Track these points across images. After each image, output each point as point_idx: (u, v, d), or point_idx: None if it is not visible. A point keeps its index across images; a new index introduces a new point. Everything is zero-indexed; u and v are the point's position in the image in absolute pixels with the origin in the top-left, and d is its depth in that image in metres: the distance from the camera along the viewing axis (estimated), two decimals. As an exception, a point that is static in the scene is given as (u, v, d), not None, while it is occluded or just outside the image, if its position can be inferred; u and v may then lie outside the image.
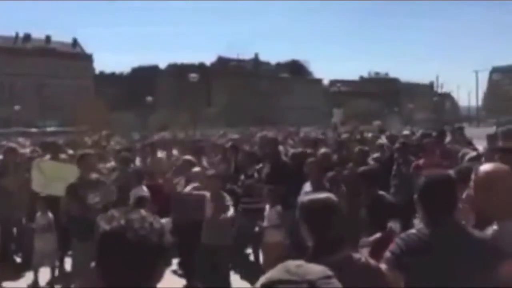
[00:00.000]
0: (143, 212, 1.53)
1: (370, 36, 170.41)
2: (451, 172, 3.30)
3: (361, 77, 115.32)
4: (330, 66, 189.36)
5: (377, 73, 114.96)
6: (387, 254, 2.51)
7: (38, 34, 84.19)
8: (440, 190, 2.55)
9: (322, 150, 8.25)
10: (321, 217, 2.43)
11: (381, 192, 5.01)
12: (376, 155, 8.11)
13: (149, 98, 55.18)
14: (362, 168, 5.30)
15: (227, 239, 5.58)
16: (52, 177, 6.24)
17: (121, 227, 1.46)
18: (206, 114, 64.69)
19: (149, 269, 1.45)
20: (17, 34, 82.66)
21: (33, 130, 50.51)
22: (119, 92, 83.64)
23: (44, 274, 6.41)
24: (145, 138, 13.38)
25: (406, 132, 13.72)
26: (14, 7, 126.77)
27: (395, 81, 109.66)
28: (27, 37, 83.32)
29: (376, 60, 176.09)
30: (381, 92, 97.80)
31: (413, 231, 2.61)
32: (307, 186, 5.70)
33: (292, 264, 1.15)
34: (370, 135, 10.00)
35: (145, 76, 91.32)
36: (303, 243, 2.49)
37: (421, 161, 7.06)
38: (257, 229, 6.17)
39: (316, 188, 5.44)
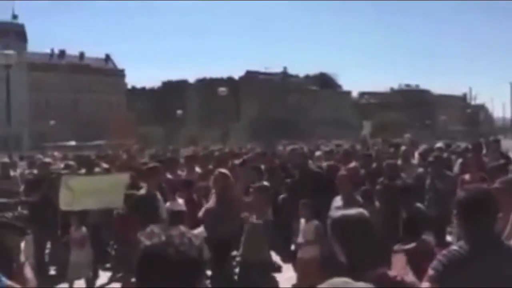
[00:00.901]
0: (182, 228, 1.55)
1: (399, 47, 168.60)
2: (497, 184, 3.24)
3: (391, 89, 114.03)
4: (359, 78, 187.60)
5: (407, 85, 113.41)
6: (430, 271, 2.49)
7: (72, 50, 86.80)
8: (480, 207, 2.51)
9: (352, 164, 8.18)
10: (353, 234, 2.41)
11: (419, 205, 4.99)
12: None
13: (179, 112, 55.89)
14: (401, 183, 5.28)
15: (265, 255, 5.55)
16: (81, 191, 6.15)
17: (162, 243, 1.47)
18: (235, 127, 64.99)
19: (189, 284, 1.47)
20: (52, 51, 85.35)
21: (71, 143, 51.51)
22: (149, 106, 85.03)
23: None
24: (177, 152, 13.53)
25: (439, 145, 13.44)
26: (50, 24, 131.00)
27: (426, 92, 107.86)
28: (62, 54, 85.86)
29: (406, 72, 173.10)
30: (412, 104, 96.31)
31: (454, 247, 2.57)
32: (338, 200, 5.65)
33: (338, 281, 1.14)
34: (403, 148, 9.83)
35: (174, 91, 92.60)
36: (337, 258, 2.46)
37: (466, 176, 6.93)
38: (293, 246, 6.11)
39: (347, 202, 5.39)
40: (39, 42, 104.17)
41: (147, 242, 1.49)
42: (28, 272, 2.38)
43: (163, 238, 1.49)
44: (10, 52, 15.29)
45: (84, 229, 6.45)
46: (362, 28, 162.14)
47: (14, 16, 75.58)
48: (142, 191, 6.03)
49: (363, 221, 2.45)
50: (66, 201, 6.16)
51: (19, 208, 6.64)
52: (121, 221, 6.25)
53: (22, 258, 2.37)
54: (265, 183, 6.71)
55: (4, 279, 2.17)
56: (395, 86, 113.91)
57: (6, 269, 2.20)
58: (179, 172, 8.89)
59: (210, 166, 8.62)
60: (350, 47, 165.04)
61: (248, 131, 66.64)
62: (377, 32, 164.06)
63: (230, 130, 50.08)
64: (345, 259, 2.39)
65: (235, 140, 43.49)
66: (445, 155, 9.93)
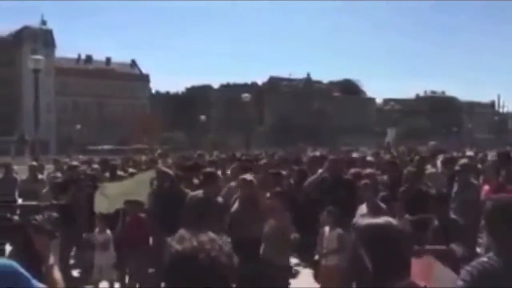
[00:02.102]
0: (211, 233, 1.55)
1: (426, 54, 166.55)
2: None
3: (417, 96, 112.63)
4: (383, 85, 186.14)
5: (433, 92, 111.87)
6: (459, 282, 2.45)
7: (99, 55, 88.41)
8: (509, 217, 2.45)
9: (368, 170, 8.07)
10: (381, 242, 2.37)
11: (453, 216, 4.99)
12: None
13: (203, 117, 56.29)
14: (436, 192, 5.24)
15: (287, 260, 5.53)
16: (114, 196, 6.49)
17: (193, 248, 1.47)
18: (258, 133, 65.06)
19: None
20: (79, 56, 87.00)
21: (99, 147, 52.23)
22: (173, 111, 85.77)
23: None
24: (202, 157, 13.59)
25: (470, 153, 13.18)
26: (77, 30, 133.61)
27: (453, 100, 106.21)
28: (89, 59, 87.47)
29: (432, 78, 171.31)
30: (438, 111, 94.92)
31: (484, 259, 2.52)
32: (363, 208, 5.59)
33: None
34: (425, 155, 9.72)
35: (198, 96, 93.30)
36: (363, 267, 2.42)
37: (486, 186, 6.80)
38: (316, 256, 6.06)
39: (373, 210, 5.33)
40: (67, 48, 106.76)
41: (178, 247, 1.49)
42: (57, 274, 2.41)
43: (195, 243, 1.49)
44: (39, 57, 15.62)
45: (108, 232, 6.53)
46: (387, 34, 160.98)
47: (43, 22, 77.36)
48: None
49: (390, 230, 2.41)
50: (102, 206, 6.60)
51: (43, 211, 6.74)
52: (135, 221, 6.33)
53: (51, 260, 2.41)
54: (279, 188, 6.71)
55: (35, 281, 2.20)
56: (421, 93, 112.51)
57: (36, 272, 2.24)
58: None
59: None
60: (375, 53, 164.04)
61: (270, 137, 66.65)
62: (403, 38, 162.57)
63: (252, 135, 50.12)
64: (373, 269, 2.36)
65: (258, 146, 43.47)
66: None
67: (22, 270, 2.14)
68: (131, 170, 9.68)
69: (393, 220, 2.52)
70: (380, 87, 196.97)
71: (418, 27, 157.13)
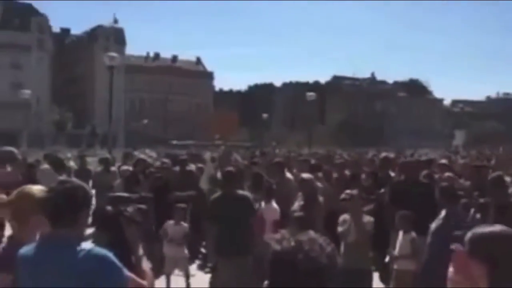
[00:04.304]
0: (312, 233, 1.52)
1: (498, 53, 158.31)
2: None
3: (488, 97, 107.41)
4: (452, 86, 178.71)
5: (506, 94, 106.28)
6: None
7: (166, 53, 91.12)
8: None
9: (447, 174, 7.72)
10: (498, 251, 2.20)
11: None
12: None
13: (265, 115, 56.55)
14: None
15: (367, 263, 5.41)
16: None
17: (292, 248, 1.45)
18: (319, 132, 64.47)
19: None
20: (147, 54, 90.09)
21: (189, 142, 53.02)
22: (235, 109, 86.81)
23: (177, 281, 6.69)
24: (264, 155, 13.64)
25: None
26: (146, 29, 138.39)
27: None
28: (157, 56, 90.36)
29: (505, 79, 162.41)
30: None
31: None
32: (442, 213, 5.36)
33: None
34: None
35: (260, 94, 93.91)
36: (437, 272, 2.29)
37: None
38: (387, 258, 5.90)
39: (451, 216, 5.10)
40: (136, 46, 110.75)
41: (277, 247, 1.48)
42: (146, 265, 2.47)
43: (293, 243, 1.47)
44: (114, 54, 16.26)
45: (184, 224, 6.60)
46: (456, 32, 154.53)
47: (115, 21, 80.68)
48: None
49: (508, 238, 2.24)
50: None
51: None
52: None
53: (141, 251, 2.47)
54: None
55: (125, 270, 2.26)
56: (492, 95, 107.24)
57: (125, 262, 2.30)
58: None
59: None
60: (443, 52, 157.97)
61: (332, 136, 65.88)
62: (473, 36, 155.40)
63: (314, 134, 49.70)
64: (487, 277, 2.21)
65: (319, 145, 43.06)
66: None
67: (115, 259, 2.21)
68: (200, 165, 9.86)
69: (509, 229, 2.36)
70: (448, 88, 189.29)
71: (490, 24, 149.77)
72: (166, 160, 11.23)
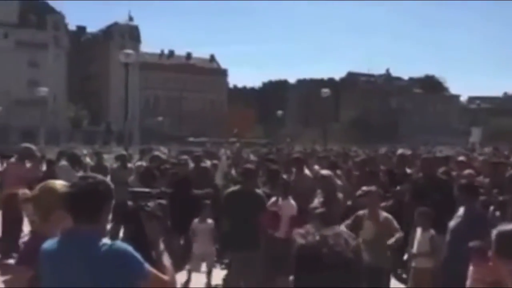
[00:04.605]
0: (337, 228, 1.51)
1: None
2: None
3: (505, 94, 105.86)
4: (468, 82, 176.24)
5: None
6: None
7: (180, 51, 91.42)
8: None
9: (467, 171, 7.61)
10: None
11: None
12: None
13: (280, 112, 56.49)
14: None
15: (388, 262, 5.38)
16: None
17: (316, 242, 1.45)
18: (334, 129, 64.24)
19: (345, 285, 1.43)
20: (162, 51, 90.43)
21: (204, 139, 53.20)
22: (250, 106, 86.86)
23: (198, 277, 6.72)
24: (280, 151, 13.63)
25: None
26: (161, 26, 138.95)
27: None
28: (171, 54, 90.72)
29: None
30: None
31: None
32: (460, 211, 5.29)
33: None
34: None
35: (274, 90, 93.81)
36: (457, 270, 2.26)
37: None
38: (406, 256, 5.86)
39: (470, 213, 5.04)
40: (150, 43, 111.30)
41: (302, 241, 1.48)
42: (167, 261, 2.48)
43: (317, 237, 1.47)
44: (130, 51, 16.37)
45: (210, 221, 6.62)
46: (473, 27, 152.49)
47: (130, 18, 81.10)
48: None
49: None
50: None
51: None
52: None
53: (162, 247, 2.48)
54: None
55: (146, 265, 2.27)
56: (510, 91, 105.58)
57: (146, 257, 2.31)
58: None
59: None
60: (459, 48, 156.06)
61: (347, 133, 65.57)
62: (490, 31, 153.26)
63: (328, 131, 49.54)
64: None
65: (334, 142, 42.88)
66: None
67: (136, 254, 2.22)
68: (215, 161, 9.89)
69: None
70: (465, 84, 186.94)
71: (507, 19, 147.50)
72: (184, 156, 11.29)
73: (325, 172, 6.68)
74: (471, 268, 4.01)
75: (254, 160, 11.32)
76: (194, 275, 6.67)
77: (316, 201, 6.09)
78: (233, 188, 6.25)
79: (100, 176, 2.40)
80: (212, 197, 7.90)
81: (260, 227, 5.68)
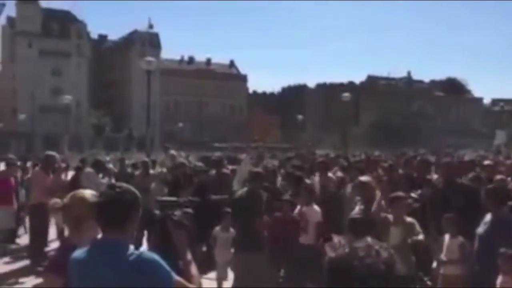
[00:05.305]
0: (369, 239, 1.50)
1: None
2: None
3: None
4: (491, 84, 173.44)
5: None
6: None
7: (200, 56, 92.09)
8: None
9: (499, 176, 7.45)
10: None
11: None
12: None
13: (300, 117, 56.33)
14: None
15: (413, 268, 5.31)
16: None
17: (346, 255, 1.44)
18: (354, 133, 63.80)
19: None
20: (182, 57, 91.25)
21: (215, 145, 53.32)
22: (270, 111, 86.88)
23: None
24: (302, 156, 13.58)
25: None
26: (181, 33, 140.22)
27: None
28: (191, 60, 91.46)
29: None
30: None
31: None
32: (487, 217, 5.19)
33: None
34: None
35: (294, 95, 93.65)
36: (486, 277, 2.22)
37: None
38: (435, 264, 5.76)
39: (497, 220, 4.93)
40: (170, 49, 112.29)
41: (332, 254, 1.47)
42: (194, 270, 2.48)
43: (347, 250, 1.46)
44: (151, 59, 16.56)
45: (231, 230, 6.61)
46: (495, 29, 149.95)
47: (150, 26, 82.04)
48: None
49: None
50: None
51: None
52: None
53: (189, 256, 2.48)
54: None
55: (173, 274, 2.28)
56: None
57: (173, 266, 2.32)
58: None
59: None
60: (481, 50, 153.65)
61: (367, 137, 65.04)
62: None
63: (349, 135, 49.16)
64: None
65: (354, 146, 42.56)
66: None
67: (163, 263, 2.24)
68: (233, 167, 9.91)
69: None
70: (488, 87, 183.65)
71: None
72: (199, 163, 11.33)
73: (364, 178, 6.50)
74: (500, 277, 3.93)
75: (272, 163, 11.28)
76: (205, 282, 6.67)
77: (357, 209, 5.98)
78: (239, 191, 6.37)
79: (126, 185, 2.42)
80: (228, 203, 7.92)
81: (262, 228, 5.89)
